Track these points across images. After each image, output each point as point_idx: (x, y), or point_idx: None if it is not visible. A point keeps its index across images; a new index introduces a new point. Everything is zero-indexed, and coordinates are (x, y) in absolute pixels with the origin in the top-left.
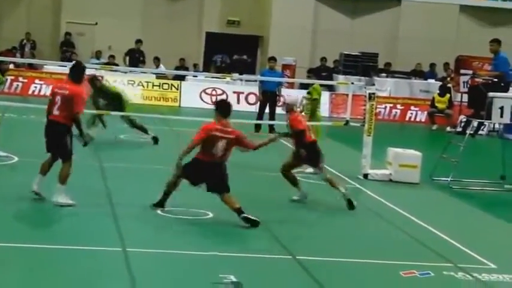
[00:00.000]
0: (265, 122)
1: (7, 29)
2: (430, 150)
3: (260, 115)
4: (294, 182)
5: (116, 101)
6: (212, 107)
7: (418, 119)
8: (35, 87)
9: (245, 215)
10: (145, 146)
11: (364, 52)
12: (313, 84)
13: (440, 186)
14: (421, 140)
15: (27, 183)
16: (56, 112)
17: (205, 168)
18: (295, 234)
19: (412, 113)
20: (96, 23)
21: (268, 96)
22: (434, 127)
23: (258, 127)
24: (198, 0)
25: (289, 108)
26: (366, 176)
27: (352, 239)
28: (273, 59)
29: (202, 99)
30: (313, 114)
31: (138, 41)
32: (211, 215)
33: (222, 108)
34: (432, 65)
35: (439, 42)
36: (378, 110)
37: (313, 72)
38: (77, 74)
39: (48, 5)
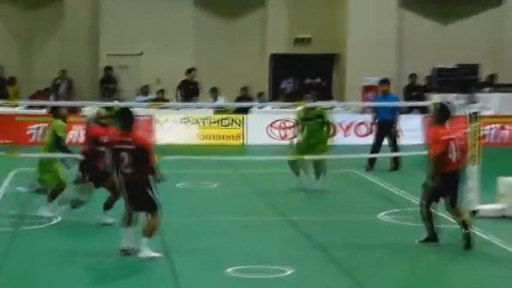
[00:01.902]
0: (377, 155)
1: (39, 68)
2: None
3: (377, 149)
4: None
5: None
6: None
7: None
8: (73, 134)
9: (468, 231)
10: (209, 194)
11: (461, 64)
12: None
13: None
14: None
15: (74, 244)
16: (128, 171)
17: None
18: None
19: None
20: (142, 53)
21: (384, 126)
22: None
23: (372, 162)
24: (260, 17)
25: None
26: (474, 213)
27: None
28: (385, 81)
29: (270, 135)
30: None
31: (191, 70)
32: (290, 271)
33: (442, 112)
34: None
35: None
36: (483, 132)
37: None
38: (127, 121)
39: (84, 36)
